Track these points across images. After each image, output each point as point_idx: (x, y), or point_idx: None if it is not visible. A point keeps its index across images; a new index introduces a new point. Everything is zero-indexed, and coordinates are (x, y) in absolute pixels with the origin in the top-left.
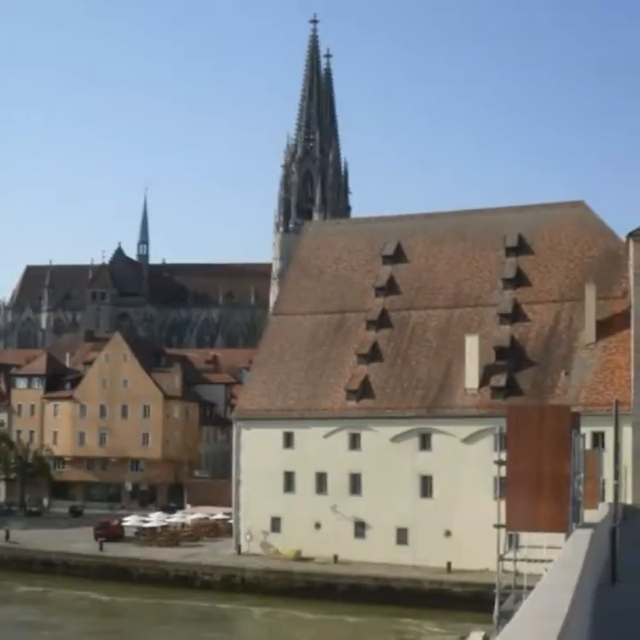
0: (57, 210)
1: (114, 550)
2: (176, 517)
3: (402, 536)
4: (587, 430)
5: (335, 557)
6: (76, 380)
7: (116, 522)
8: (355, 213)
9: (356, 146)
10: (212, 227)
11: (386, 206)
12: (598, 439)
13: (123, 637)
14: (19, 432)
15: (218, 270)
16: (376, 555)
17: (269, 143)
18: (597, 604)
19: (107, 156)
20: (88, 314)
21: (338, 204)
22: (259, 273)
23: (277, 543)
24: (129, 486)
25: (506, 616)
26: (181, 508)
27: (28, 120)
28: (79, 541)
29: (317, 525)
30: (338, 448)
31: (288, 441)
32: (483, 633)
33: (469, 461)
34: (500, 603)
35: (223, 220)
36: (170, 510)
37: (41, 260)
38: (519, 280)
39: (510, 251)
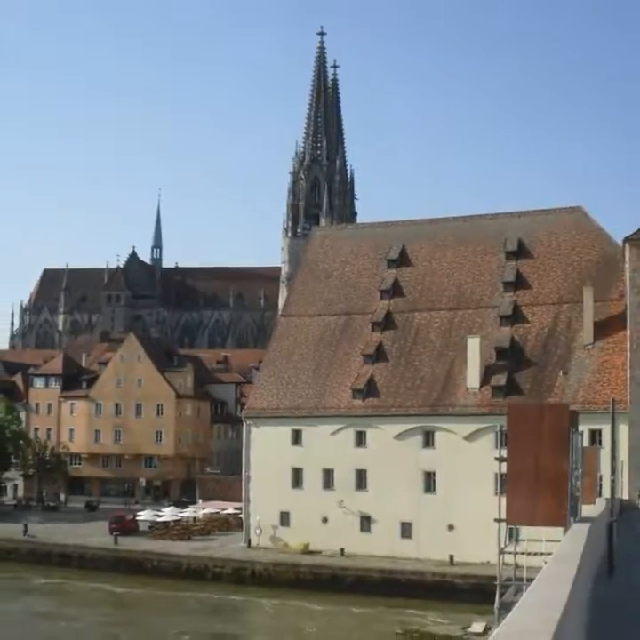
0: (73, 215)
1: (128, 544)
2: (188, 512)
3: (406, 530)
4: (584, 428)
5: (342, 550)
6: (92, 380)
7: (130, 516)
8: (360, 219)
9: (361, 153)
10: (223, 232)
11: (390, 212)
12: (595, 436)
13: (137, 628)
14: (36, 430)
15: (228, 273)
16: (381, 548)
17: (278, 151)
18: (595, 596)
19: (122, 165)
20: (103, 315)
21: (344, 210)
22: (268, 276)
23: (286, 537)
24: (143, 482)
25: (506, 607)
26: (193, 502)
27: (47, 130)
28: (95, 535)
29: (324, 520)
30: (344, 445)
31: (296, 438)
32: (484, 623)
33: (471, 458)
34: (501, 594)
35: (233, 225)
36: (182, 505)
37: (58, 263)
38: (519, 283)
39: (510, 255)
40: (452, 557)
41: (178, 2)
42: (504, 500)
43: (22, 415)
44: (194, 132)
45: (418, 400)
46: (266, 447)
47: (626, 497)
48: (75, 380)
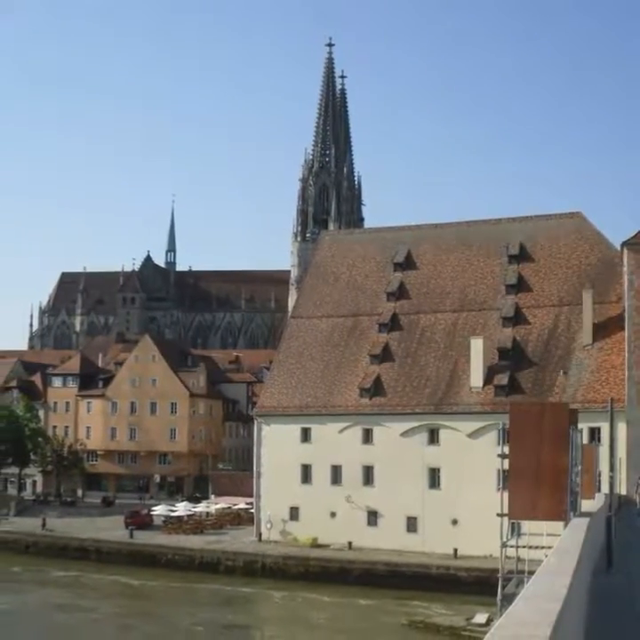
0: (90, 221)
1: (143, 538)
2: (201, 507)
3: (411, 524)
4: (584, 426)
5: (349, 544)
6: (108, 379)
7: (145, 511)
8: (367, 223)
9: (368, 160)
10: (235, 236)
11: (396, 217)
12: (595, 434)
13: (151, 619)
14: (54, 427)
15: (240, 277)
16: (387, 542)
17: (288, 158)
18: (594, 588)
19: (137, 172)
20: (119, 317)
21: (352, 215)
22: (278, 279)
23: (295, 531)
24: (157, 478)
25: (508, 599)
26: (206, 498)
27: (68, 139)
28: (111, 529)
29: (333, 514)
30: (352, 442)
31: (305, 436)
32: (487, 614)
33: (474, 455)
34: (503, 586)
35: (245, 229)
36: (195, 500)
37: (75, 267)
38: (520, 286)
39: (512, 258)
40: (456, 551)
41: (194, 16)
42: (506, 495)
43: (41, 413)
44: (207, 140)
45: (423, 399)
46: (276, 444)
47: (624, 492)
48: (91, 379)
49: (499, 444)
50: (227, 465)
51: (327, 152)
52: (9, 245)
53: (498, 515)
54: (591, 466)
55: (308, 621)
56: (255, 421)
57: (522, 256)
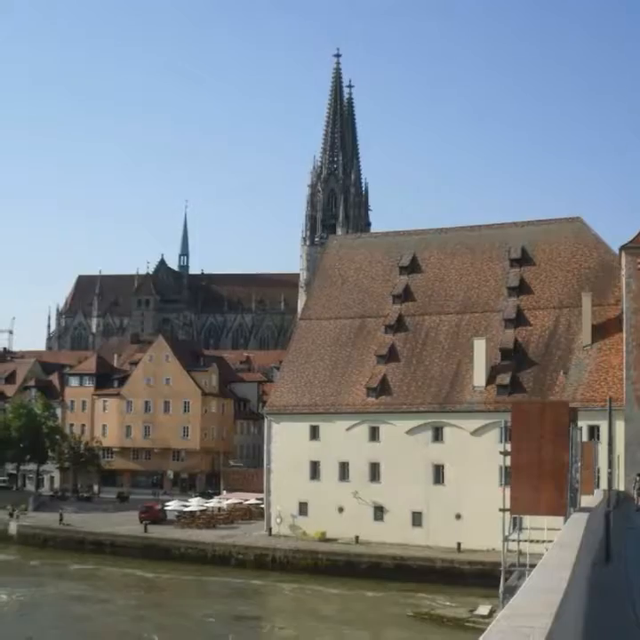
0: (106, 225)
1: (157, 532)
2: (213, 502)
3: (416, 519)
4: (583, 424)
5: (356, 538)
6: (123, 379)
7: (159, 506)
8: (374, 228)
9: (375, 167)
10: (246, 240)
11: (402, 222)
12: (594, 432)
13: (165, 610)
14: (71, 425)
15: (251, 280)
16: (393, 536)
17: (297, 165)
18: (593, 580)
19: (151, 178)
20: (134, 319)
21: (359, 220)
22: (287, 282)
23: (305, 525)
24: (170, 474)
25: (510, 591)
26: (218, 493)
27: (85, 148)
28: (126, 524)
29: (340, 509)
30: (359, 440)
31: (314, 433)
32: (489, 606)
33: (477, 452)
34: (506, 579)
35: (256, 234)
36: (207, 496)
37: (91, 270)
38: (522, 288)
39: (514, 262)
40: (459, 545)
41: (210, 31)
42: (508, 491)
43: (58, 412)
44: (219, 148)
45: (428, 398)
46: (286, 442)
47: (622, 488)
48: (107, 379)
49: (501, 441)
50: (238, 462)
51: (335, 159)
52: (28, 250)
53: (500, 510)
54: (590, 462)
55: (316, 613)
56: (265, 419)
57: (523, 260)
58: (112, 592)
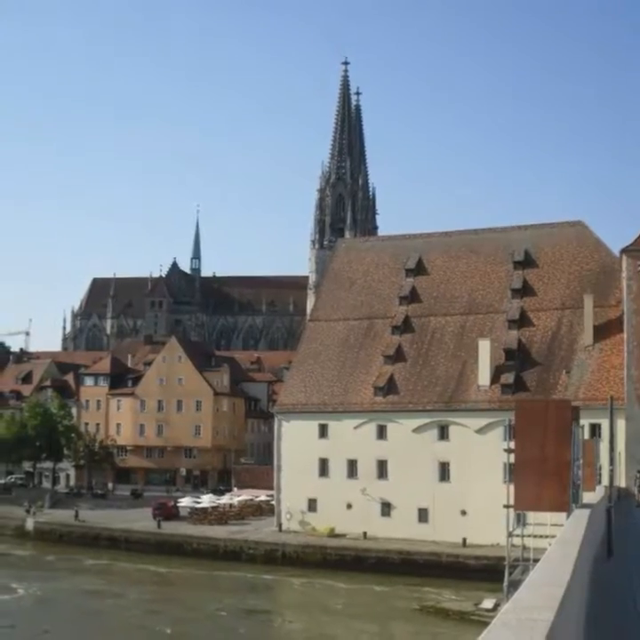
0: (120, 229)
1: (170, 528)
2: (225, 499)
3: (423, 515)
4: (585, 422)
5: (364, 534)
6: (137, 379)
7: (171, 503)
8: (381, 231)
9: (382, 172)
10: (256, 244)
11: (409, 225)
12: (595, 430)
13: (177, 604)
14: (86, 424)
15: (261, 282)
16: (400, 531)
17: (306, 170)
18: (595, 575)
19: (164, 183)
20: (147, 320)
21: (366, 224)
22: (297, 284)
23: (314, 521)
24: (183, 472)
25: (514, 585)
26: (229, 490)
27: (102, 157)
28: (139, 520)
29: (349, 506)
30: (367, 438)
31: (323, 432)
32: (494, 600)
33: (482, 449)
34: (510, 573)
35: (266, 237)
36: (219, 493)
37: (106, 273)
38: (525, 290)
39: (517, 264)
40: (464, 540)
41: (221, 41)
42: (512, 487)
43: (74, 411)
44: (230, 154)
45: (433, 397)
46: (295, 440)
47: (623, 485)
48: (121, 379)
49: (505, 439)
50: (248, 459)
51: (343, 164)
52: (45, 254)
53: (504, 506)
54: (592, 460)
55: (325, 606)
56: (275, 418)
57: (527, 262)
58: (126, 586)
